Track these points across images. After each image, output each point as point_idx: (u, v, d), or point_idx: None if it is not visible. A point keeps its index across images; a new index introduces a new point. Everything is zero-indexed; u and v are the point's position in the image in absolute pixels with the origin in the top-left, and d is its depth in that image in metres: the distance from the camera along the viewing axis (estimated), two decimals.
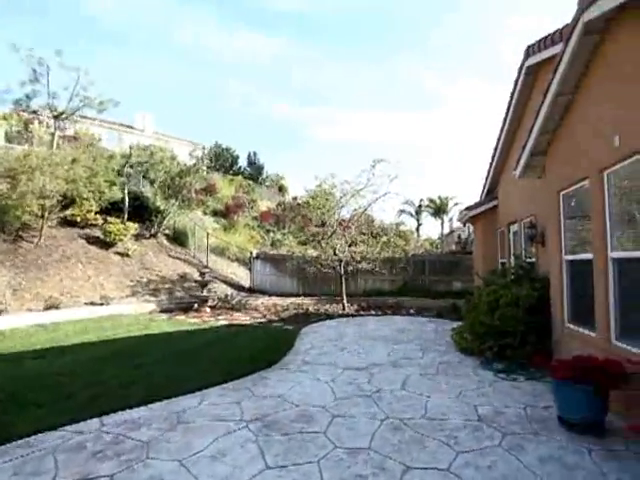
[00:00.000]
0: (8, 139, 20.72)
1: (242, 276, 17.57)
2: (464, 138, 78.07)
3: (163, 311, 11.84)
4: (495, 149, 10.05)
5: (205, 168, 20.26)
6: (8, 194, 12.35)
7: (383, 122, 71.95)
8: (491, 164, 10.52)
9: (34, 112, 15.71)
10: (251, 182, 32.43)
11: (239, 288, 16.05)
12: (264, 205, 28.72)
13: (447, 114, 73.71)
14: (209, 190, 22.78)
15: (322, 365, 5.92)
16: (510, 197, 9.36)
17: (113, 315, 10.41)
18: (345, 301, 12.63)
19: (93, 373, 5.38)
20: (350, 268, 13.01)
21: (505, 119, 9.06)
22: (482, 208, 10.80)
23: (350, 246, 13.09)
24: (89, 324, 9.06)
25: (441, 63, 65.38)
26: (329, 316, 11.29)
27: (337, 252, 12.64)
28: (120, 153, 17.77)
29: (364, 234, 13.17)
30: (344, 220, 13.17)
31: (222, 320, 10.60)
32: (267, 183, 38.64)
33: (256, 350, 6.90)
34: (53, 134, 15.03)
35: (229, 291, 14.73)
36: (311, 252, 14.09)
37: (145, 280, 13.72)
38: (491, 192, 11.04)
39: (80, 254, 13.60)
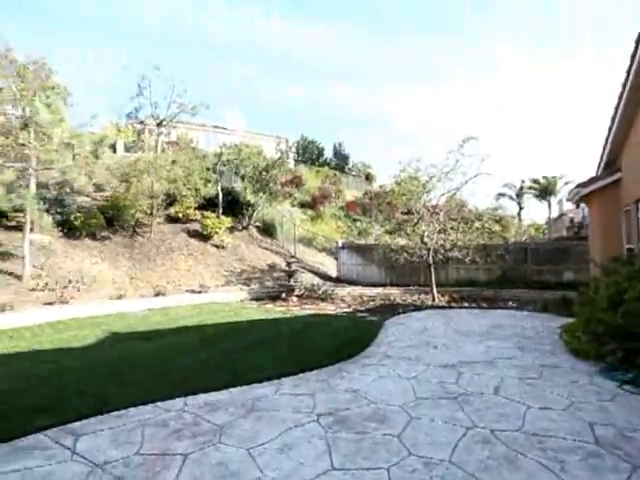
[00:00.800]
0: (127, 149, 23.91)
1: (329, 266, 17.72)
2: (569, 113, 68.00)
3: (254, 299, 12.48)
4: (613, 117, 8.37)
5: (290, 160, 20.82)
6: (124, 195, 14.19)
7: (476, 100, 66.27)
8: (609, 133, 8.78)
9: (141, 122, 17.78)
10: (337, 172, 32.59)
11: (326, 278, 16.21)
12: (350, 195, 28.62)
13: (546, 87, 64.91)
14: (295, 182, 23.43)
15: (405, 360, 5.53)
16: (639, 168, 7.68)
17: (209, 302, 11.28)
18: (435, 292, 11.86)
19: (186, 356, 5.78)
20: (439, 257, 12.15)
21: (625, 84, 7.45)
22: (600, 183, 9.08)
23: (439, 233, 12.22)
24: (189, 310, 9.93)
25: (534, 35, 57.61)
26: (417, 307, 10.71)
27: (425, 240, 11.90)
28: (212, 152, 19.16)
29: (454, 220, 12.15)
30: (431, 206, 12.32)
31: (308, 309, 10.76)
32: (353, 173, 38.48)
33: (338, 341, 6.78)
34: (157, 140, 16.84)
35: (316, 281, 14.95)
36: (398, 241, 13.52)
37: (238, 270, 14.65)
38: (610, 165, 9.23)
39: (182, 247, 15.05)
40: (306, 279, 14.81)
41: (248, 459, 2.90)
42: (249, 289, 13.21)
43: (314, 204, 24.03)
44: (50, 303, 9.42)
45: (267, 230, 19.11)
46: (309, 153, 40.06)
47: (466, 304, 11.16)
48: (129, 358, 5.63)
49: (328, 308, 11.01)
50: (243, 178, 19.91)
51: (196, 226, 16.50)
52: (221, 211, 17.56)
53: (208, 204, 17.41)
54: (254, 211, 18.44)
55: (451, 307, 10.80)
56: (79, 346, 6.35)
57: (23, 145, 11.63)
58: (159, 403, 3.99)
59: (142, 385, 4.53)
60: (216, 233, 15.98)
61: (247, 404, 3.97)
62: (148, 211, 14.39)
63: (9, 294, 9.91)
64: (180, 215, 16.55)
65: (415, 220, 12.17)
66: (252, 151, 18.53)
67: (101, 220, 14.23)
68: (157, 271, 13.06)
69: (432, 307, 10.78)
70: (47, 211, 12.73)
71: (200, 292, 12.08)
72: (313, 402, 4.01)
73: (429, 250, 11.90)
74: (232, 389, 4.40)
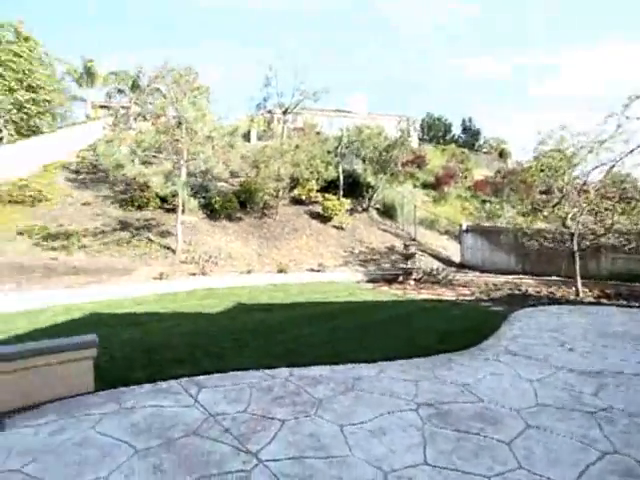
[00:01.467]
0: (259, 137, 26.23)
1: (452, 250, 16.61)
2: None
3: (370, 281, 12.52)
4: None
5: (412, 139, 19.93)
6: (254, 180, 15.64)
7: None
8: None
9: (269, 112, 19.17)
10: (465, 150, 29.98)
11: (447, 262, 15.24)
12: (479, 174, 26.09)
13: None
14: (418, 162, 22.42)
15: (529, 358, 4.82)
16: None
17: (326, 281, 11.75)
18: (579, 284, 10.01)
19: (299, 328, 6.13)
20: (587, 243, 10.16)
21: None
22: None
23: (589, 215, 10.18)
24: (307, 287, 10.52)
25: None
26: (553, 301, 9.23)
27: (568, 223, 10.06)
28: (334, 136, 19.56)
29: (610, 199, 9.93)
30: (579, 183, 10.29)
31: (424, 294, 10.32)
32: (484, 149, 34.92)
33: (452, 329, 6.32)
34: (283, 127, 17.98)
35: (435, 265, 14.20)
36: (534, 224, 11.77)
37: (356, 251, 14.86)
38: None
39: (305, 227, 15.93)
40: (425, 263, 14.17)
41: (340, 436, 2.91)
42: (365, 270, 13.29)
43: (438, 184, 22.65)
44: (194, 274, 11.11)
45: (387, 212, 18.83)
46: (435, 131, 37.71)
47: (624, 302, 9.14)
48: (249, 326, 6.24)
49: (447, 294, 10.34)
50: (364, 160, 19.91)
51: (317, 208, 17.25)
52: (342, 193, 17.95)
53: (329, 186, 17.97)
54: (374, 193, 18.34)
55: (600, 304, 8.98)
56: (211, 312, 7.32)
57: (177, 140, 13.76)
58: (267, 370, 4.31)
59: (256, 351, 4.97)
60: (336, 215, 16.43)
61: (348, 382, 3.99)
62: (274, 194, 15.61)
63: (166, 265, 12.03)
64: (303, 197, 17.49)
65: (556, 200, 10.36)
66: (373, 132, 18.32)
67: (235, 203, 16.03)
68: (281, 249, 14.15)
69: (574, 302, 9.14)
70: (194, 196, 14.90)
71: (319, 271, 12.66)
72: (415, 390, 3.81)
73: (573, 235, 10.03)
74: (335, 366, 4.48)
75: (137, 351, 4.86)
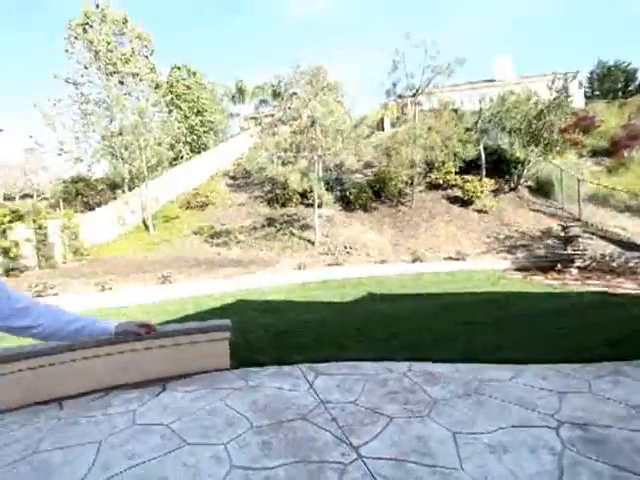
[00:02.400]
0: (392, 125, 25.71)
1: (634, 230, 13.17)
2: None
3: (518, 270, 10.98)
4: None
5: (572, 99, 16.45)
6: (387, 168, 15.39)
7: None
8: None
9: (399, 96, 18.46)
10: None
11: (628, 246, 12.15)
12: None
13: None
14: (583, 126, 18.42)
15: None
16: None
17: (466, 270, 10.78)
18: None
19: (426, 321, 5.78)
20: None
21: None
22: None
23: None
24: (442, 277, 9.86)
25: None
26: None
27: None
28: (472, 111, 17.68)
29: None
30: None
31: (592, 285, 8.49)
32: None
33: (626, 331, 4.99)
34: (414, 110, 17.13)
35: (609, 249, 11.51)
36: None
37: (502, 236, 13.22)
38: None
39: (442, 213, 14.96)
40: (594, 247, 11.61)
41: (450, 444, 2.59)
42: (513, 258, 11.70)
43: (614, 150, 18.22)
44: (330, 264, 11.63)
45: (541, 189, 16.15)
46: (610, 82, 30.28)
47: None
48: (375, 317, 6.17)
49: (625, 286, 8.26)
50: (510, 132, 17.48)
51: (456, 192, 15.99)
52: (484, 173, 16.19)
53: (469, 167, 16.43)
54: (524, 169, 15.93)
55: None
56: (341, 301, 7.52)
57: (312, 138, 14.58)
58: (386, 363, 4.17)
59: (377, 343, 4.87)
60: (477, 197, 14.94)
61: (471, 384, 3.55)
62: (408, 181, 15.09)
63: (306, 257, 12.93)
64: (440, 181, 16.45)
65: None
66: (519, 98, 15.87)
67: (369, 193, 16.12)
68: (417, 238, 13.62)
69: None
70: (329, 189, 15.58)
71: (458, 259, 11.73)
72: (559, 404, 3.12)
73: None
74: (460, 364, 4.04)
75: (268, 335, 5.34)
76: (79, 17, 17.98)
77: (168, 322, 5.94)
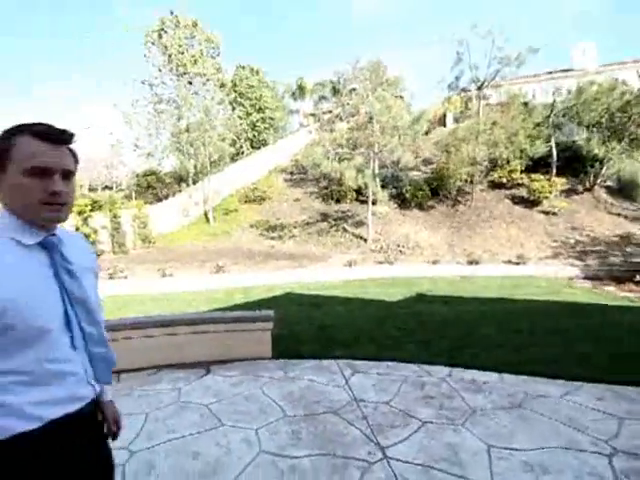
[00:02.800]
0: (455, 120, 24.58)
1: None
2: None
3: (587, 278, 10.03)
4: None
5: None
6: (446, 166, 14.78)
7: None
8: None
9: (463, 90, 17.54)
10: None
11: None
12: None
13: None
14: None
15: None
16: None
17: (526, 276, 10.07)
18: None
19: (474, 326, 5.51)
20: None
21: None
22: None
23: None
24: (498, 281, 9.30)
25: None
26: None
27: None
28: (543, 104, 16.31)
29: None
30: None
31: None
32: None
33: None
34: (479, 104, 16.20)
35: None
36: None
37: (571, 241, 12.15)
38: None
39: (504, 214, 14.07)
40: None
41: (484, 457, 2.47)
42: (582, 265, 10.70)
43: None
44: (380, 262, 11.48)
45: (622, 190, 14.57)
46: None
47: None
48: (420, 317, 6.01)
49: None
50: (588, 127, 15.93)
51: (522, 191, 14.95)
52: (555, 171, 14.93)
53: (537, 165, 15.25)
54: (602, 167, 14.42)
55: None
56: (388, 300, 7.41)
57: (369, 134, 14.44)
58: (426, 366, 4.05)
59: (419, 344, 4.75)
60: (545, 198, 13.83)
61: (516, 397, 3.34)
62: (468, 179, 14.37)
63: (357, 253, 12.88)
64: (504, 180, 15.47)
65: None
66: (600, 89, 14.34)
67: (426, 191, 15.60)
68: (475, 239, 12.96)
69: None
70: (385, 186, 15.32)
71: (518, 263, 11.00)
72: (617, 429, 2.83)
73: None
74: (506, 375, 3.81)
75: (312, 329, 5.43)
76: (156, 24, 19.43)
77: (217, 309, 6.29)
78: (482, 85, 15.87)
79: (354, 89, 19.39)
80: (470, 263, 11.11)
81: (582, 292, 8.08)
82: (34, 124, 0.95)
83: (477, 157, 13.56)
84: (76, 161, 1.04)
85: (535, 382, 3.65)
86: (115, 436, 1.29)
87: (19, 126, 0.95)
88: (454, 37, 14.86)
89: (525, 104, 17.01)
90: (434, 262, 11.31)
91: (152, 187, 20.98)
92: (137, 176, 21.22)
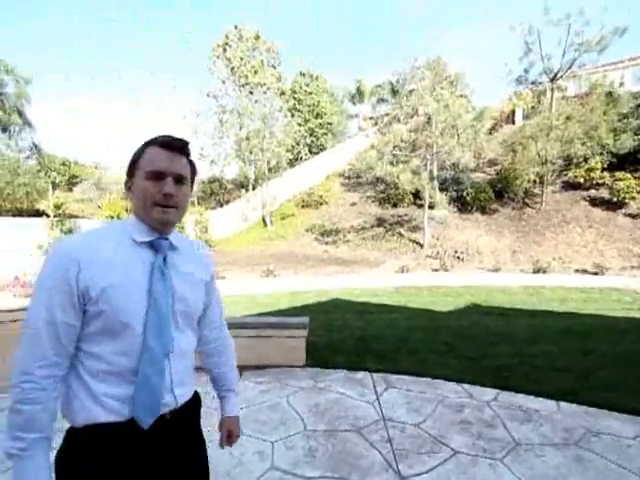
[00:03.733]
0: (525, 116, 22.72)
1: None
2: None
3: None
4: None
5: None
6: (511, 166, 13.65)
7: None
8: None
9: (533, 83, 16.09)
10: None
11: None
12: None
13: None
14: None
15: None
16: None
17: (604, 288, 8.86)
18: None
19: (534, 343, 4.93)
20: None
21: None
22: None
23: None
24: (570, 293, 8.29)
25: None
26: None
27: None
28: (632, 93, 14.37)
29: None
30: None
31: None
32: None
33: None
34: (552, 97, 14.75)
35: None
36: None
37: None
38: None
39: (580, 218, 12.63)
40: None
41: None
42: None
43: None
44: (436, 269, 10.85)
45: None
46: None
47: None
48: (471, 331, 5.52)
49: None
50: None
51: (603, 192, 13.32)
52: None
53: (624, 162, 13.47)
54: None
55: None
56: (439, 310, 6.93)
57: (427, 136, 13.86)
58: (468, 386, 3.68)
59: (465, 361, 4.34)
60: (632, 199, 12.17)
61: (574, 432, 2.86)
62: (537, 180, 13.11)
63: (412, 259, 12.35)
64: (581, 180, 13.88)
65: None
66: None
67: (489, 194, 14.55)
68: (543, 245, 11.76)
69: None
70: (444, 189, 14.57)
71: (595, 273, 9.75)
72: None
73: None
74: (564, 404, 3.31)
75: (353, 338, 5.23)
76: (221, 38, 20.57)
77: (260, 314, 6.33)
78: (555, 76, 14.43)
79: (413, 90, 18.81)
80: (536, 272, 10.05)
81: None
82: (162, 136, 1.04)
83: (548, 156, 12.29)
84: (193, 171, 1.13)
85: (602, 416, 3.11)
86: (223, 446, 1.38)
87: (152, 139, 1.04)
88: (522, 25, 13.68)
89: (609, 94, 15.13)
90: (495, 270, 10.42)
91: (215, 193, 22.14)
92: (202, 183, 22.54)
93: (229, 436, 1.35)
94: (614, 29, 12.86)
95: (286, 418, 3.13)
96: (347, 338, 5.22)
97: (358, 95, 30.89)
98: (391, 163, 12.98)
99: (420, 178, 12.46)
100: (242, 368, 4.20)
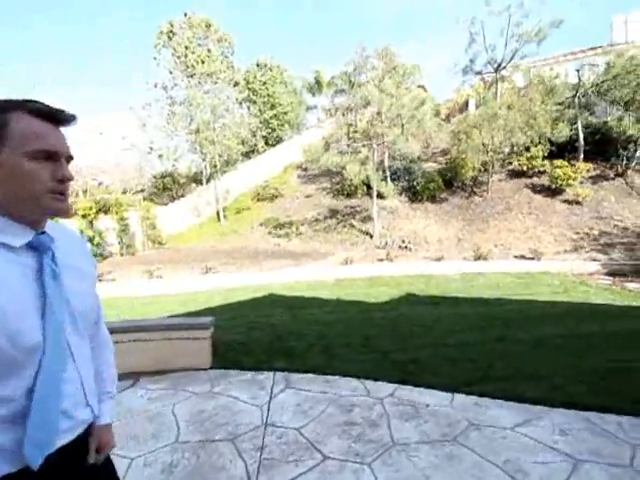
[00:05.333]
0: (477, 107, 23.19)
1: None
2: None
3: (609, 274, 8.96)
4: None
5: None
6: (459, 155, 13.83)
7: None
8: None
9: (478, 73, 16.37)
10: None
11: None
12: None
13: None
14: None
15: None
16: None
17: (537, 272, 9.14)
18: None
19: (454, 332, 4.88)
20: None
21: None
22: None
23: None
24: (504, 279, 8.47)
25: None
26: None
27: None
28: (567, 84, 14.88)
29: None
30: None
31: None
32: None
33: None
34: (496, 88, 15.04)
35: None
36: None
37: (595, 232, 10.96)
38: None
39: (522, 204, 12.99)
40: None
41: None
42: (606, 259, 9.61)
43: None
44: (381, 260, 10.83)
45: None
46: None
47: None
48: (396, 323, 5.44)
49: None
50: (624, 105, 14.40)
51: (544, 180, 13.74)
52: (582, 156, 13.60)
53: (563, 150, 13.96)
54: (636, 149, 12.95)
55: None
56: (372, 302, 6.85)
57: (372, 126, 13.77)
58: (369, 382, 3.53)
59: (378, 356, 4.22)
60: (569, 185, 12.63)
61: (456, 427, 2.77)
62: (481, 168, 13.36)
63: (360, 250, 12.30)
64: (524, 168, 14.28)
65: None
66: (635, 61, 12.84)
67: (439, 183, 14.71)
68: (487, 233, 12.01)
69: None
70: (396, 180, 14.59)
71: (532, 258, 10.05)
72: (567, 475, 2.22)
73: None
74: (461, 396, 3.22)
75: (270, 336, 5.01)
76: (164, 26, 19.60)
77: (189, 314, 6.01)
78: (499, 67, 14.70)
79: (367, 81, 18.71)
80: (477, 259, 10.24)
81: (597, 291, 7.12)
82: (29, 100, 0.81)
83: (489, 143, 12.52)
84: None
85: (492, 406, 3.04)
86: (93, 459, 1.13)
87: (12, 102, 0.80)
88: (466, 17, 13.82)
89: (543, 84, 15.54)
90: (438, 259, 10.52)
91: (169, 189, 21.27)
92: (154, 178, 21.59)
93: (99, 447, 1.12)
94: (551, 22, 13.21)
95: (161, 430, 2.87)
96: (265, 336, 4.99)
97: (317, 86, 30.48)
98: (340, 153, 12.83)
99: (366, 168, 12.40)
100: (138, 374, 3.90)
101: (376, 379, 3.58)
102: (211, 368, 4.06)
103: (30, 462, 0.81)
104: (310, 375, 3.75)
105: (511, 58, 14.41)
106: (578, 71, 14.44)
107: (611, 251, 9.99)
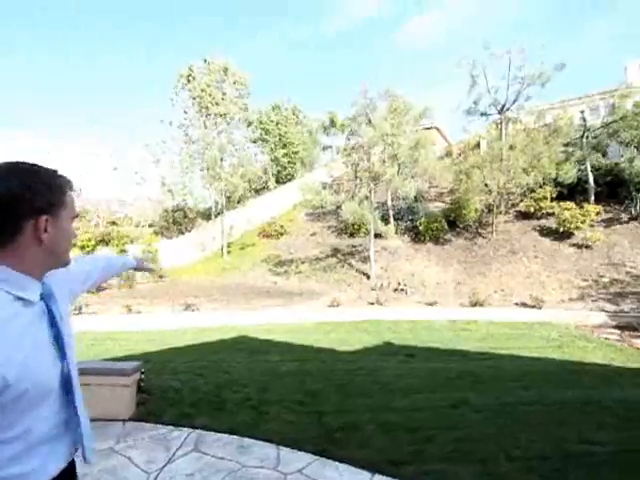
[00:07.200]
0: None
1: None
2: None
3: (617, 327, 8.11)
4: None
5: None
6: (462, 195, 13.47)
7: None
8: None
9: (483, 114, 16.24)
10: None
11: None
12: None
13: None
14: None
15: None
16: None
17: (535, 322, 8.39)
18: None
19: (407, 393, 4.36)
20: None
21: None
22: None
23: None
24: (496, 329, 7.80)
25: None
26: None
27: None
28: (573, 125, 14.49)
29: None
30: None
31: None
32: None
33: None
34: (500, 129, 14.84)
35: None
36: None
37: (605, 280, 10.15)
38: None
39: (528, 248, 12.33)
40: None
41: None
42: (615, 310, 8.78)
43: None
44: (371, 303, 10.33)
45: None
46: None
47: None
48: (352, 378, 4.94)
49: None
50: (638, 147, 13.85)
51: (552, 222, 13.09)
52: (593, 198, 12.96)
53: (573, 192, 13.36)
54: None
55: None
56: (342, 350, 6.38)
57: (370, 166, 13.65)
58: (290, 450, 3.09)
59: (310, 416, 3.76)
60: (577, 228, 11.92)
61: None
62: (484, 209, 12.90)
63: (357, 290, 11.84)
64: (532, 210, 13.70)
65: None
66: None
67: (442, 223, 14.27)
68: (488, 277, 11.36)
69: None
70: (399, 219, 14.27)
71: (533, 306, 9.30)
72: None
73: None
74: (380, 477, 2.75)
75: (211, 385, 4.64)
76: (184, 70, 20.81)
77: (149, 353, 5.72)
78: (503, 108, 14.56)
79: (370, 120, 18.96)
80: (474, 305, 9.58)
81: (597, 347, 6.35)
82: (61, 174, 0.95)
83: (494, 185, 12.12)
84: None
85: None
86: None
87: (62, 175, 0.94)
88: (467, 60, 13.92)
89: (546, 125, 15.15)
90: (430, 304, 9.92)
91: (179, 223, 21.68)
92: (166, 212, 22.13)
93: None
94: (554, 65, 13.13)
95: None
96: (205, 385, 4.62)
97: (332, 127, 31.29)
98: (336, 192, 12.72)
99: (362, 207, 12.19)
100: None
101: (296, 447, 3.14)
102: (130, 419, 3.71)
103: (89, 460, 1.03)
104: (227, 437, 3.34)
105: (515, 100, 14.28)
106: (582, 112, 14.12)
107: (622, 301, 9.11)
